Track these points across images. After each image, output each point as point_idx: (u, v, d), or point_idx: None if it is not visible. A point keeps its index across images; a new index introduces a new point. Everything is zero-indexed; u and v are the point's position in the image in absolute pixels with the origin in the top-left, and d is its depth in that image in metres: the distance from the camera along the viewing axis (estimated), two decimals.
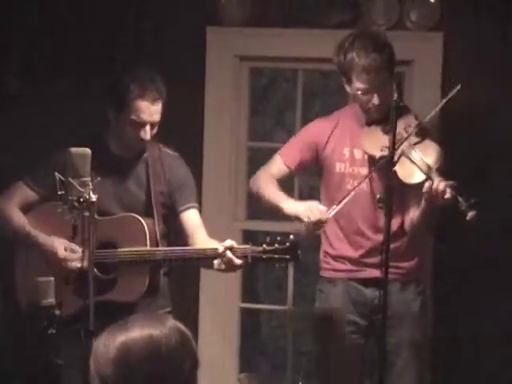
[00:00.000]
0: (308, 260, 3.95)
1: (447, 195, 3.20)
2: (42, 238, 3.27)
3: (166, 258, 3.24)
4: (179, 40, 4.12)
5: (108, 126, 3.35)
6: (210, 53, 4.14)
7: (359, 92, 3.38)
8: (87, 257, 2.79)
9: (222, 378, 4.27)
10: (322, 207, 3.37)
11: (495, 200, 3.80)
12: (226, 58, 4.14)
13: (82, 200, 2.72)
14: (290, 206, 3.46)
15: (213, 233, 3.42)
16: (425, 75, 3.99)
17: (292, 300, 4.34)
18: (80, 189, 2.73)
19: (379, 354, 3.15)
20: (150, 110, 3.24)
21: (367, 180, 3.44)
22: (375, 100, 3.37)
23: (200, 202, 3.56)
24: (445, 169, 3.32)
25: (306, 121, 3.84)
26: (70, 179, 2.74)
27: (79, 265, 3.12)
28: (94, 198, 2.73)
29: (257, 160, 3.79)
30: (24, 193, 3.35)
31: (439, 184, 3.21)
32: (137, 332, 1.86)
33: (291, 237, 3.19)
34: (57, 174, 2.78)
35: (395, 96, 3.07)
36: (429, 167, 3.29)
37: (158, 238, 3.30)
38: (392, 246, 3.15)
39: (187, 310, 4.00)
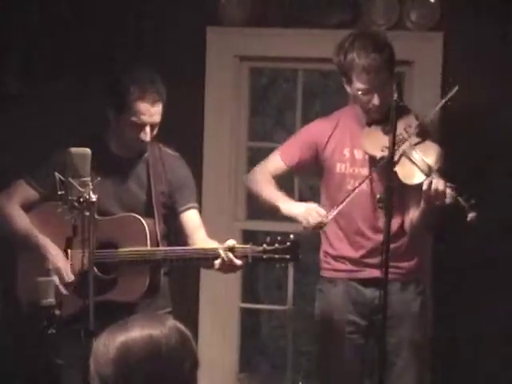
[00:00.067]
0: (308, 260, 3.95)
1: (447, 196, 3.20)
2: (40, 241, 3.26)
3: (166, 258, 3.24)
4: (179, 40, 4.12)
5: (108, 126, 3.35)
6: (210, 53, 4.14)
7: (359, 92, 3.38)
8: (87, 257, 2.79)
9: (221, 377, 4.27)
10: (321, 210, 3.37)
11: (495, 200, 3.80)
12: (226, 58, 4.14)
13: (82, 200, 2.72)
14: (288, 207, 3.46)
15: (213, 233, 3.42)
16: (425, 75, 3.99)
17: (292, 300, 4.34)
18: (80, 189, 2.73)
19: (379, 353, 3.15)
20: (150, 112, 3.24)
21: (367, 180, 3.44)
22: (375, 100, 3.37)
23: (200, 202, 3.56)
24: (445, 169, 3.32)
25: (306, 121, 3.84)
26: (70, 179, 2.74)
27: (71, 279, 3.13)
28: (94, 198, 2.73)
29: (257, 160, 3.78)
30: (25, 191, 3.35)
31: (439, 185, 3.21)
32: (137, 332, 1.87)
33: (291, 236, 3.19)
34: (57, 173, 2.78)
35: (395, 96, 3.07)
36: (429, 168, 3.29)
37: (159, 238, 3.30)
38: (392, 246, 3.15)
39: (187, 310, 4.00)
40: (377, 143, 3.37)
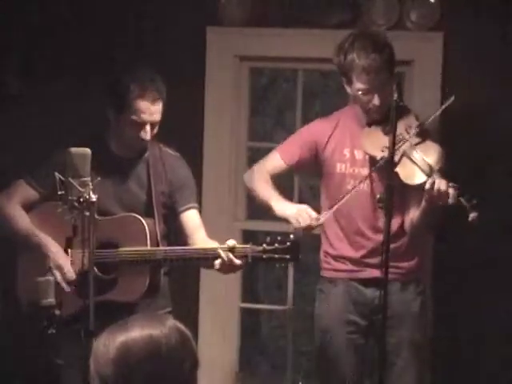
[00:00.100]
0: (308, 260, 3.95)
1: (450, 196, 3.20)
2: (42, 238, 3.26)
3: (166, 258, 3.24)
4: (179, 40, 4.12)
5: (108, 126, 3.35)
6: (210, 53, 4.14)
7: (359, 92, 3.37)
8: (87, 257, 2.79)
9: (221, 378, 4.27)
10: (311, 212, 3.37)
11: (495, 200, 3.80)
12: (226, 58, 4.14)
13: (82, 200, 2.72)
14: (280, 207, 3.46)
15: (213, 233, 3.42)
16: (425, 75, 3.99)
17: (292, 300, 4.34)
18: (80, 189, 2.73)
19: (379, 353, 3.15)
20: (151, 110, 3.24)
21: (367, 180, 3.44)
22: (375, 100, 3.37)
23: (200, 202, 3.56)
24: (445, 169, 3.32)
25: (306, 121, 3.84)
26: (70, 179, 2.74)
27: (73, 277, 3.13)
28: (93, 198, 2.73)
29: (257, 160, 3.78)
30: (25, 191, 3.35)
31: (441, 185, 3.21)
32: (137, 332, 1.87)
33: (291, 236, 3.19)
34: (57, 174, 2.78)
35: (395, 96, 3.06)
36: (430, 168, 3.29)
37: (159, 238, 3.30)
38: (392, 246, 3.15)
39: (187, 310, 4.00)
40: (377, 143, 3.37)
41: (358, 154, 3.49)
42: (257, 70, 4.66)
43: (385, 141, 3.21)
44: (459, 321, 3.97)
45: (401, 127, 3.28)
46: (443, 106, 3.37)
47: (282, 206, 3.47)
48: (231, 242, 3.17)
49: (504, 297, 3.91)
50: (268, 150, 3.71)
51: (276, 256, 3.17)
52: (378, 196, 3.22)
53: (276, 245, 3.16)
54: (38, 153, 3.41)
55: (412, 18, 3.97)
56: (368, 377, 3.69)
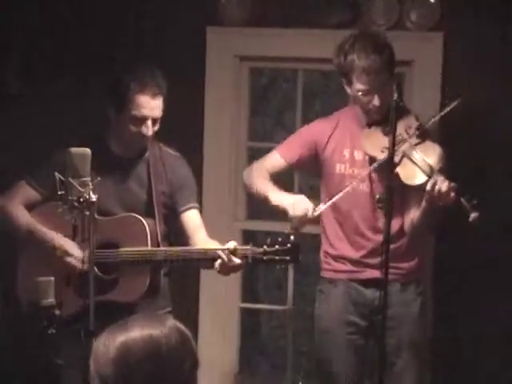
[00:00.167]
0: (308, 260, 3.95)
1: (450, 196, 3.20)
2: (48, 233, 3.26)
3: (166, 259, 3.23)
4: (179, 40, 4.12)
5: (109, 125, 3.35)
6: (210, 53, 4.14)
7: (359, 93, 3.37)
8: (87, 257, 2.79)
9: (221, 378, 4.27)
10: (308, 203, 3.36)
11: (495, 200, 3.80)
12: (226, 58, 4.14)
13: (82, 200, 2.72)
14: (277, 197, 3.46)
15: (213, 233, 3.41)
16: (425, 75, 3.99)
17: (292, 300, 4.34)
18: (80, 189, 2.73)
19: (379, 354, 3.15)
20: (151, 105, 3.23)
21: (367, 181, 3.45)
22: (375, 101, 3.37)
23: (200, 202, 3.56)
24: (445, 169, 3.32)
25: (306, 121, 3.84)
26: (70, 179, 2.74)
27: (82, 266, 3.13)
28: (93, 198, 2.73)
29: (257, 160, 3.78)
30: (26, 192, 3.35)
31: (442, 185, 3.21)
32: (137, 332, 1.87)
33: (292, 238, 3.18)
34: (57, 174, 2.78)
35: (395, 96, 3.06)
36: (431, 168, 3.29)
37: (159, 238, 3.29)
38: (392, 246, 3.15)
39: (187, 310, 4.00)
40: (377, 144, 3.37)
41: (358, 155, 3.49)
42: (257, 70, 4.65)
43: (385, 141, 3.21)
44: (459, 321, 3.97)
45: (401, 128, 3.28)
46: (448, 108, 3.36)
47: (279, 197, 3.46)
48: (232, 244, 3.16)
49: (504, 297, 3.91)
50: (268, 150, 3.71)
51: (276, 257, 3.16)
52: (378, 196, 3.22)
53: (276, 246, 3.15)
54: (38, 153, 3.41)
55: (412, 18, 3.97)
56: (368, 377, 3.69)
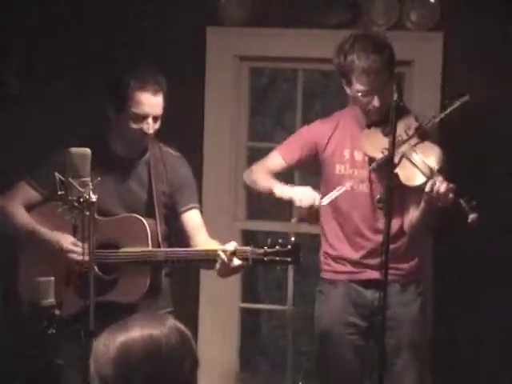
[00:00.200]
0: (308, 261, 3.95)
1: (449, 197, 3.20)
2: (47, 233, 3.26)
3: (167, 259, 3.23)
4: (179, 40, 4.12)
5: (109, 126, 3.34)
6: (210, 53, 4.14)
7: (359, 94, 3.37)
8: (88, 257, 2.79)
9: (221, 378, 4.27)
10: (315, 193, 3.36)
11: (495, 200, 3.80)
12: (226, 58, 4.14)
13: (81, 200, 2.73)
14: (282, 189, 3.46)
15: (213, 233, 3.41)
16: (425, 75, 3.99)
17: (292, 300, 4.34)
18: (80, 189, 2.73)
19: (379, 355, 3.15)
20: (151, 102, 3.23)
21: (367, 181, 3.44)
22: (375, 102, 3.36)
23: (200, 202, 3.56)
24: (445, 169, 3.32)
25: (306, 121, 3.84)
26: (69, 179, 2.74)
27: (83, 258, 3.11)
28: (93, 198, 2.73)
29: (257, 160, 3.78)
30: (27, 193, 3.35)
31: (441, 186, 3.21)
32: (137, 332, 1.87)
33: (293, 239, 3.17)
34: (57, 174, 2.78)
35: (395, 96, 3.06)
36: (430, 169, 3.29)
37: (160, 239, 3.29)
38: (392, 247, 3.15)
39: (187, 310, 3.99)
40: (377, 145, 3.37)
41: (358, 156, 3.48)
42: (257, 70, 4.65)
43: (384, 142, 3.21)
44: (459, 322, 3.97)
45: (400, 128, 3.27)
46: (448, 110, 3.35)
47: (284, 188, 3.46)
48: (232, 245, 3.15)
49: (503, 297, 3.91)
50: (268, 150, 3.71)
51: (277, 258, 3.15)
52: (378, 196, 3.22)
53: (277, 247, 3.14)
54: (38, 153, 3.41)
55: (412, 18, 3.97)
56: (368, 378, 3.68)
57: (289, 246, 3.14)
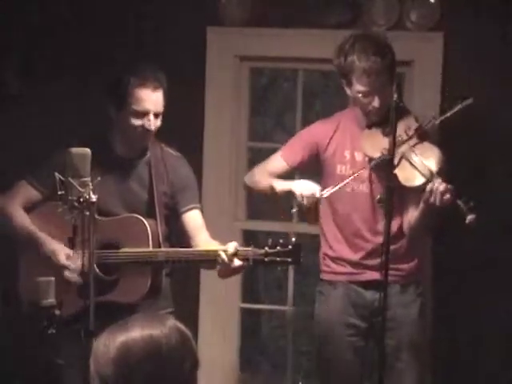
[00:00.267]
0: (308, 261, 3.95)
1: (447, 198, 3.20)
2: (44, 240, 3.26)
3: (168, 259, 3.23)
4: (179, 40, 4.12)
5: (110, 125, 3.34)
6: (210, 53, 4.14)
7: (360, 94, 3.37)
8: (87, 257, 2.79)
9: (222, 378, 4.27)
10: (315, 185, 3.37)
11: (495, 201, 3.80)
12: (226, 58, 4.14)
13: (81, 200, 2.72)
14: (282, 184, 3.47)
15: (213, 233, 3.41)
16: (425, 75, 3.99)
17: (292, 300, 4.34)
18: (80, 189, 2.73)
19: (379, 356, 3.15)
20: (152, 98, 3.23)
21: (367, 182, 3.44)
22: (376, 102, 3.36)
23: (200, 202, 3.56)
24: (444, 170, 3.32)
25: (307, 121, 3.85)
26: (69, 179, 2.74)
27: (77, 279, 3.11)
28: (93, 198, 2.73)
29: (257, 160, 3.79)
30: (27, 192, 3.35)
31: (439, 186, 3.21)
32: (137, 332, 1.87)
33: (293, 240, 3.17)
34: (57, 174, 2.78)
35: (395, 97, 3.06)
36: (429, 170, 3.29)
37: (161, 239, 3.29)
38: (391, 247, 3.14)
39: (187, 310, 3.99)
40: (377, 145, 3.37)
41: (358, 156, 3.48)
42: (257, 70, 4.66)
43: (385, 143, 3.20)
44: (459, 322, 3.97)
45: (400, 128, 3.27)
46: (450, 112, 3.35)
47: (285, 183, 3.47)
48: (233, 245, 3.15)
49: (503, 297, 3.91)
50: (268, 150, 3.71)
51: (278, 259, 3.14)
52: (379, 196, 3.22)
53: (278, 248, 3.13)
54: (38, 153, 3.41)
55: (412, 18, 3.97)
56: (368, 379, 3.68)
57: (289, 247, 3.13)
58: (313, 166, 3.62)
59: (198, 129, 4.16)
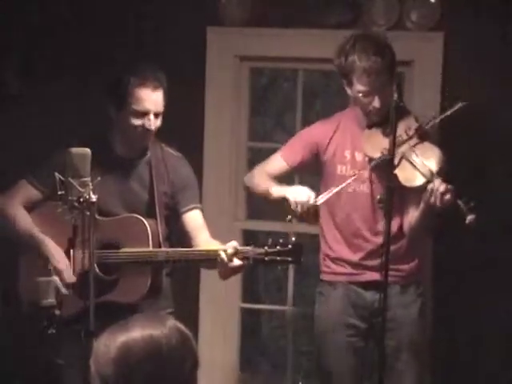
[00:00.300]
0: (308, 261, 3.95)
1: (447, 198, 3.20)
2: (43, 242, 3.25)
3: (168, 259, 3.23)
4: (179, 40, 4.12)
5: (110, 125, 3.34)
6: (210, 53, 4.14)
7: (360, 94, 3.37)
8: (88, 257, 2.79)
9: (222, 377, 4.27)
10: (310, 191, 3.36)
11: (495, 201, 3.80)
12: (226, 58, 4.14)
13: (81, 200, 2.73)
14: (278, 189, 3.46)
15: (213, 233, 3.41)
16: (425, 75, 3.99)
17: (292, 300, 4.34)
18: (80, 189, 2.73)
19: (379, 356, 3.15)
20: (152, 98, 3.22)
21: (367, 182, 3.44)
22: (376, 103, 3.36)
23: (200, 202, 3.56)
24: (445, 170, 3.32)
25: (307, 121, 3.85)
26: (69, 179, 2.74)
27: (65, 291, 3.11)
28: (93, 198, 2.73)
29: (257, 160, 3.78)
30: (27, 191, 3.35)
31: (439, 186, 3.21)
32: (137, 332, 1.87)
33: (293, 239, 3.16)
34: (57, 174, 2.78)
35: (395, 96, 3.06)
36: (429, 170, 3.29)
37: (161, 239, 3.29)
38: (391, 248, 3.14)
39: (188, 311, 3.99)
40: (377, 145, 3.37)
41: (359, 156, 3.48)
42: (257, 70, 4.65)
43: (385, 143, 3.20)
44: (458, 322, 3.97)
45: (400, 129, 3.27)
46: (448, 112, 3.35)
47: (280, 188, 3.47)
48: (233, 244, 3.15)
49: (503, 297, 3.91)
50: (268, 150, 3.71)
51: (278, 258, 3.13)
52: (379, 197, 3.22)
53: (278, 247, 3.12)
54: (38, 153, 3.40)
55: (412, 18, 3.97)
56: (368, 379, 3.68)
57: (290, 246, 3.13)
58: (313, 166, 3.62)
59: (198, 129, 4.16)
